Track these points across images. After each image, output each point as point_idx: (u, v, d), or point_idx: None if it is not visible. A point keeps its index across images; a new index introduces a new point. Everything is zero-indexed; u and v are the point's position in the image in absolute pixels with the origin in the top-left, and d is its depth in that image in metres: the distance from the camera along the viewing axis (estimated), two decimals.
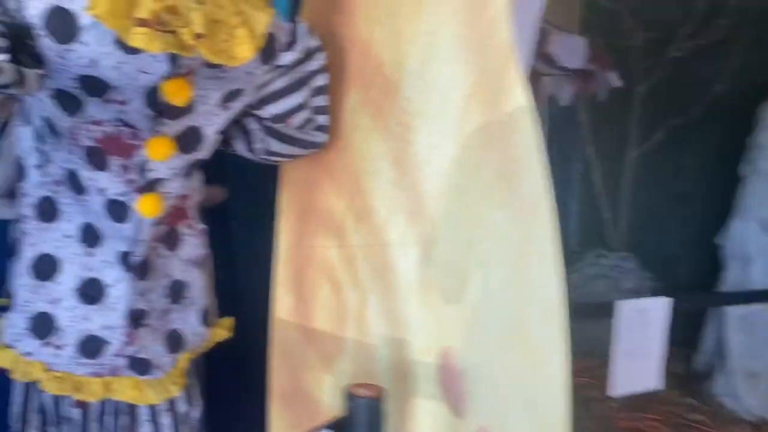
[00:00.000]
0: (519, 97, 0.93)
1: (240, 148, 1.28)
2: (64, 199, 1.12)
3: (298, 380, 1.36)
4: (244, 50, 0.97)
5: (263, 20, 1.00)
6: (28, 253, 1.14)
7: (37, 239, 1.14)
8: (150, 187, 1.10)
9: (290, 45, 1.13)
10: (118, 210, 1.10)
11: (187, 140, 1.10)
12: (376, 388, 0.86)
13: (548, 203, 0.91)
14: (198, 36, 0.93)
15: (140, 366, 1.19)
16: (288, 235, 1.36)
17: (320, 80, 1.19)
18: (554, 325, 0.91)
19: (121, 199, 1.09)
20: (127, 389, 1.18)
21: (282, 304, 1.36)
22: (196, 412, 1.34)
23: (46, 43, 0.93)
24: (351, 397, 0.85)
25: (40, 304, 1.14)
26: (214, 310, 1.37)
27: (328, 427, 0.83)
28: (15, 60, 0.88)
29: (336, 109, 1.25)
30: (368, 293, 1.20)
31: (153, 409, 1.27)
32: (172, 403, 1.28)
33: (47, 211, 1.13)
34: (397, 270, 1.15)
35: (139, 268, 1.15)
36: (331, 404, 1.26)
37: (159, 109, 1.02)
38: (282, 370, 1.37)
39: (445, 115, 1.10)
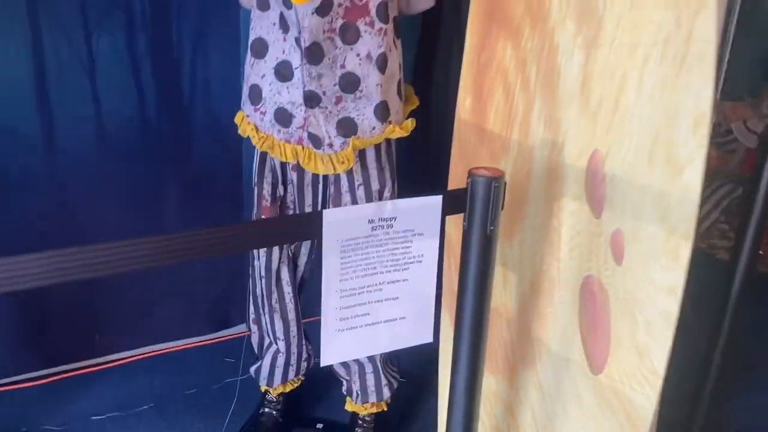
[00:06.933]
0: None
1: None
2: None
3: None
4: None
5: None
6: (251, 37, 1.41)
7: (255, 25, 1.39)
8: None
9: None
10: None
11: None
12: (496, 171, 0.95)
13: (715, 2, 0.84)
14: None
15: (315, 141, 1.43)
16: (474, 38, 1.41)
17: None
18: (699, 135, 0.88)
19: None
20: (305, 158, 1.44)
21: (464, 105, 1.45)
22: (388, 193, 1.57)
23: None
24: (472, 176, 0.95)
25: (254, 77, 1.42)
26: (398, 110, 1.52)
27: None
28: None
29: None
30: (535, 96, 1.23)
31: (351, 183, 1.52)
32: (367, 181, 1.52)
33: (263, 2, 1.36)
34: (563, 74, 1.16)
35: (310, 53, 1.32)
36: None
37: None
38: (459, 166, 1.50)
39: None
